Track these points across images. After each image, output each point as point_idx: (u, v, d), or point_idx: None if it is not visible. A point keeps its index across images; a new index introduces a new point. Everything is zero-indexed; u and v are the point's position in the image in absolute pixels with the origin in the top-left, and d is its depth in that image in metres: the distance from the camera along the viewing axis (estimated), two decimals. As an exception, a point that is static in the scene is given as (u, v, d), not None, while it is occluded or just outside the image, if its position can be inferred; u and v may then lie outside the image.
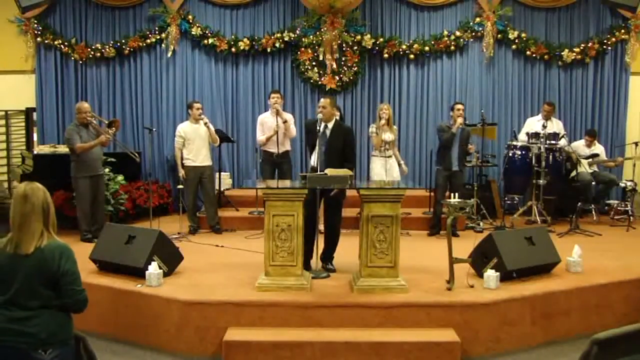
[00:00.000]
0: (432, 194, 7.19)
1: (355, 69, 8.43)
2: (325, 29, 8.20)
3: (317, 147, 5.15)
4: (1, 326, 2.60)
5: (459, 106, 6.88)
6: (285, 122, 6.96)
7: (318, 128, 5.15)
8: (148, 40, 8.38)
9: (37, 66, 8.42)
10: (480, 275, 4.80)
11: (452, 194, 6.41)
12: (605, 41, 8.45)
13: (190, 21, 8.34)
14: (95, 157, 6.39)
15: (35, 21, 8.30)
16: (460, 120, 6.73)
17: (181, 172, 6.83)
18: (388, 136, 6.80)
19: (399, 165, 6.97)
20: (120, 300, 4.59)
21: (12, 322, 2.59)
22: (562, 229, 6.92)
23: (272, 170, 7.11)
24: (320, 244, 5.06)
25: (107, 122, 6.66)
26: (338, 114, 5.51)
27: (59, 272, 2.63)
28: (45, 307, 2.63)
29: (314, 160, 5.22)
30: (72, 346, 2.77)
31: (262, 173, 7.22)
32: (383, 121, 6.78)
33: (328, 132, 5.15)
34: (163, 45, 8.40)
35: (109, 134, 6.39)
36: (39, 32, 8.31)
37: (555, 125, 7.81)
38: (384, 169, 6.78)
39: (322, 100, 5.23)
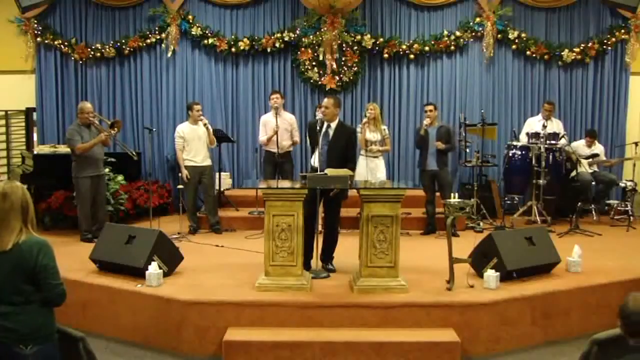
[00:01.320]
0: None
1: (355, 69, 8.43)
2: (325, 29, 8.20)
3: (318, 147, 5.15)
4: None
5: (428, 107, 6.91)
6: (294, 142, 7.23)
7: (318, 128, 5.15)
8: (148, 40, 8.37)
9: (37, 66, 8.42)
10: (480, 275, 4.80)
11: (442, 194, 6.43)
12: (605, 41, 8.45)
13: (190, 21, 8.33)
14: (97, 157, 6.38)
15: (35, 21, 8.30)
16: (427, 121, 6.76)
17: (184, 173, 6.83)
18: (372, 136, 6.80)
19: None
20: (120, 300, 4.59)
21: None
22: (562, 229, 6.92)
23: (274, 170, 7.11)
24: (319, 243, 5.06)
25: (109, 122, 6.65)
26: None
27: (36, 267, 2.65)
28: (26, 302, 2.66)
29: (314, 160, 5.22)
30: (55, 341, 2.79)
31: (263, 173, 7.22)
32: (365, 119, 6.80)
33: (331, 132, 5.14)
34: (163, 45, 8.39)
35: (110, 134, 6.39)
36: (39, 32, 8.30)
37: (555, 125, 7.81)
38: (367, 169, 6.77)
39: (324, 100, 5.23)
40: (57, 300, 2.74)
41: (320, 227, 6.70)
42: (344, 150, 5.10)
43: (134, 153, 6.95)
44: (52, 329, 2.77)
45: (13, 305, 2.64)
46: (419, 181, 8.46)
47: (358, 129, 6.93)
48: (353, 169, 4.99)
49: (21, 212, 2.69)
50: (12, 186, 2.72)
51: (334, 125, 5.15)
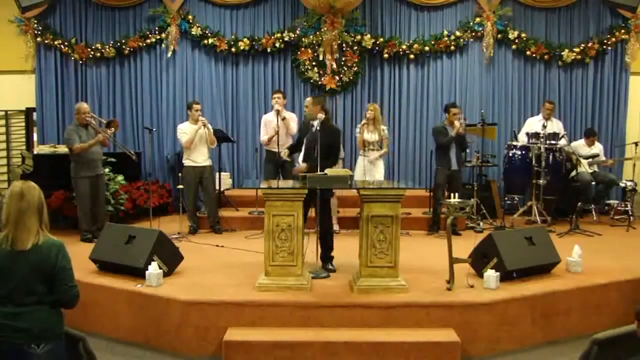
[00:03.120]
0: (432, 193, 7.19)
1: (355, 69, 8.43)
2: (325, 29, 8.20)
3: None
4: (1, 322, 2.62)
5: (456, 110, 6.90)
6: (283, 119, 6.94)
7: (311, 126, 5.32)
8: (148, 40, 8.37)
9: (37, 66, 8.42)
10: (480, 275, 4.80)
11: (451, 194, 6.44)
12: (605, 41, 8.45)
13: (190, 21, 8.34)
14: (95, 158, 6.38)
15: (35, 21, 8.30)
16: (457, 123, 6.76)
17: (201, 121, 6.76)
18: (370, 136, 6.82)
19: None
20: (120, 300, 4.59)
21: (6, 317, 2.62)
22: (562, 229, 6.92)
23: (275, 170, 7.10)
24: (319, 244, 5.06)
25: (105, 122, 6.65)
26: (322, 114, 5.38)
27: (55, 268, 2.68)
28: (38, 303, 2.67)
29: (300, 157, 5.32)
30: (64, 341, 2.80)
31: (264, 172, 7.21)
32: (364, 120, 6.83)
33: (313, 130, 5.29)
34: (163, 45, 8.39)
35: (107, 134, 6.39)
36: (39, 32, 8.31)
37: (555, 125, 7.81)
38: (366, 169, 6.79)
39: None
40: (71, 302, 2.76)
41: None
42: (324, 148, 5.11)
43: (132, 153, 6.89)
44: (62, 328, 2.79)
45: (25, 306, 2.64)
46: (418, 181, 8.51)
47: (357, 129, 6.95)
48: (331, 166, 5.07)
49: (37, 212, 2.70)
50: (29, 186, 2.74)
51: (316, 123, 5.25)
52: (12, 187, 2.75)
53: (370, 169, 6.82)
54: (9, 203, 2.68)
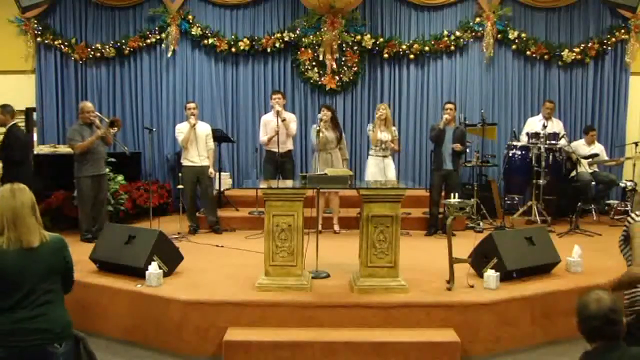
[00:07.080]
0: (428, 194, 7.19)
1: (355, 69, 8.43)
2: (325, 29, 8.20)
3: None
4: (15, 327, 2.58)
5: (448, 105, 6.92)
6: (283, 120, 6.94)
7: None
8: (148, 40, 8.38)
9: (37, 66, 8.42)
10: (480, 275, 4.80)
11: (448, 194, 6.45)
12: (605, 41, 8.46)
13: (190, 21, 8.34)
14: (99, 157, 6.37)
15: (35, 21, 8.30)
16: (446, 116, 6.76)
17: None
18: (384, 135, 6.81)
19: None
20: (120, 300, 4.60)
21: (25, 321, 2.59)
22: (562, 229, 6.92)
23: (275, 169, 7.09)
24: (321, 244, 5.06)
25: (108, 120, 6.65)
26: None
27: (64, 261, 2.74)
28: (53, 301, 2.67)
29: None
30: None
31: (264, 172, 7.21)
32: (377, 117, 6.81)
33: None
34: (163, 45, 8.40)
35: (109, 132, 6.39)
36: (39, 32, 8.31)
37: (556, 125, 7.82)
38: (378, 169, 6.79)
39: None
40: (70, 290, 2.86)
41: (320, 227, 6.74)
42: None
43: (126, 148, 6.82)
44: (72, 325, 2.81)
45: (42, 306, 2.62)
46: (418, 181, 8.52)
47: (368, 128, 6.95)
48: None
49: (32, 210, 2.70)
50: (19, 187, 2.74)
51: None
52: (1, 190, 2.73)
53: (382, 169, 6.81)
54: (1, 204, 2.65)
